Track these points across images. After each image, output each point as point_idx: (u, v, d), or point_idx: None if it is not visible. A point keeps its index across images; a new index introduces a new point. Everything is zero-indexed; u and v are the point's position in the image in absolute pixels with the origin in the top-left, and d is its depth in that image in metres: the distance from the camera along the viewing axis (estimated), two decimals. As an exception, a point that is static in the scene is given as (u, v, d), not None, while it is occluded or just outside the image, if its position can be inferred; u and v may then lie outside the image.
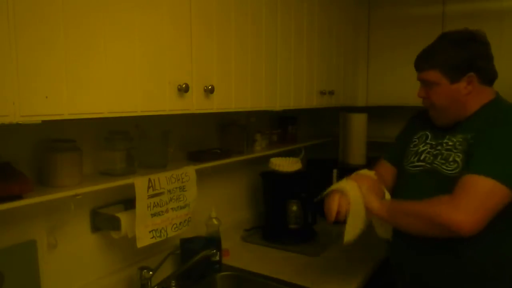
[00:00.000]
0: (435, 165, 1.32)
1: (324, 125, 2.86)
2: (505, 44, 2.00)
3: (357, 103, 2.48)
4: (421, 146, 1.41)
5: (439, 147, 1.35)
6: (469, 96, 1.30)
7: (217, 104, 1.38)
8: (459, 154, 1.27)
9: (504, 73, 1.87)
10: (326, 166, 2.35)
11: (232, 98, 1.46)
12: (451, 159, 1.28)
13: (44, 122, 0.89)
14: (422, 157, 1.38)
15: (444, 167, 1.29)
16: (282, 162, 2.02)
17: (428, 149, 1.38)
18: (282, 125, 2.34)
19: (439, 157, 1.32)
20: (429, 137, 1.41)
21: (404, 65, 2.28)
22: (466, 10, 2.13)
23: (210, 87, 1.31)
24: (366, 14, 2.43)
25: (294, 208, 2.02)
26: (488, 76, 1.32)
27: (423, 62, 1.33)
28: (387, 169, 1.56)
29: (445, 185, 1.23)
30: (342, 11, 2.24)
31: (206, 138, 1.85)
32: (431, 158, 1.35)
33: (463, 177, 1.18)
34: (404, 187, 1.43)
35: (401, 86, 2.28)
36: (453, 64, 1.28)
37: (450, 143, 1.32)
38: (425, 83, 1.34)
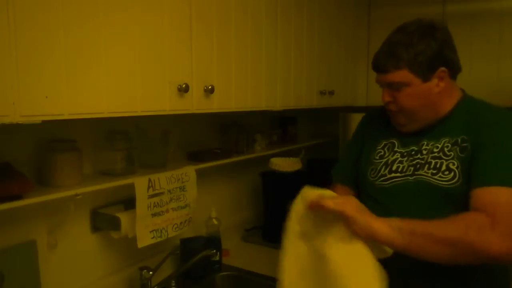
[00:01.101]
0: (423, 177, 1.12)
1: (324, 125, 2.86)
2: (505, 44, 2.00)
3: (357, 103, 2.47)
4: (390, 156, 1.21)
5: (417, 155, 1.16)
6: (441, 94, 1.14)
7: (217, 104, 1.38)
8: (453, 161, 1.09)
9: (504, 73, 1.87)
10: (326, 166, 2.34)
11: (232, 98, 1.46)
12: (444, 168, 1.10)
13: (44, 122, 0.89)
14: (394, 168, 1.18)
15: (437, 177, 1.10)
16: (282, 162, 2.02)
17: (399, 158, 1.19)
18: (282, 125, 2.34)
19: (426, 166, 1.13)
20: (396, 145, 1.22)
21: (404, 65, 2.29)
22: (466, 10, 2.13)
23: (210, 87, 1.31)
24: (366, 14, 2.43)
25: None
26: (457, 69, 1.17)
27: (387, 62, 1.14)
28: (346, 193, 1.30)
29: (442, 199, 1.08)
30: (342, 11, 2.24)
31: (206, 138, 1.85)
32: (411, 168, 1.15)
33: (485, 190, 0.99)
34: (382, 206, 1.17)
35: (401, 86, 2.28)
36: (423, 60, 1.10)
37: (435, 150, 1.14)
38: (391, 86, 1.16)
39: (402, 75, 1.12)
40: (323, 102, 2.08)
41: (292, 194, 2.20)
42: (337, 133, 2.54)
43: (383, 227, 0.95)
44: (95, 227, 1.40)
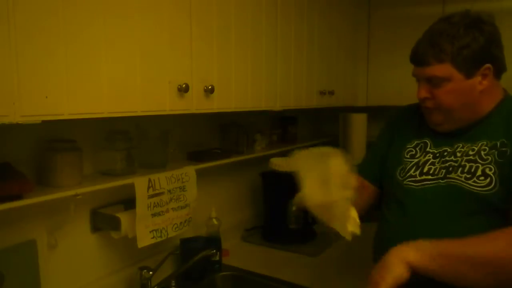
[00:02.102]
0: (455, 181, 1.05)
1: (324, 125, 2.86)
2: (505, 44, 1.99)
3: (357, 103, 2.48)
4: (421, 157, 1.14)
5: (451, 157, 1.08)
6: (483, 93, 1.05)
7: (217, 104, 1.38)
8: (490, 166, 1.01)
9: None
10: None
11: (232, 98, 1.46)
12: (479, 172, 1.02)
13: (44, 122, 0.89)
14: (425, 170, 1.11)
15: (471, 182, 1.02)
16: (282, 162, 2.01)
17: (431, 160, 1.12)
18: (282, 125, 2.34)
19: (459, 170, 1.05)
20: (429, 145, 1.15)
21: (404, 65, 2.26)
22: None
23: (210, 87, 1.31)
24: (366, 14, 2.43)
25: (294, 208, 2.02)
26: (502, 68, 1.09)
27: (428, 54, 1.04)
28: (365, 189, 1.25)
29: (475, 206, 1.01)
30: (342, 11, 2.24)
31: (206, 138, 1.85)
32: (443, 171, 1.08)
33: None
34: (407, 209, 1.11)
35: (401, 86, 2.27)
36: (468, 54, 1.01)
37: (471, 152, 1.05)
38: (430, 80, 1.07)
39: (444, 69, 1.03)
40: (323, 102, 2.08)
41: (292, 194, 2.20)
42: (337, 133, 2.54)
43: (413, 248, 0.88)
44: (95, 227, 1.40)
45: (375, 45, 2.42)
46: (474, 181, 1.02)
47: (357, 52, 2.42)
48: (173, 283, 1.50)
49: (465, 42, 1.01)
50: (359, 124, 2.45)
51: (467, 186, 1.02)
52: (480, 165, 1.03)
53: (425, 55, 1.05)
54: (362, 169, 1.30)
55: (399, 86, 2.32)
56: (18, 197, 1.01)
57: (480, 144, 1.06)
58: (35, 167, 1.20)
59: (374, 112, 2.49)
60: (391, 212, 1.16)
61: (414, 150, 1.17)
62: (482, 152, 1.04)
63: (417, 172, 1.12)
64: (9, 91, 0.83)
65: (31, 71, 0.86)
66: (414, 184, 1.11)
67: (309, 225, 2.07)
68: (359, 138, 2.45)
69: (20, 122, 0.85)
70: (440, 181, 1.07)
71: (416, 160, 1.14)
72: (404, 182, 1.13)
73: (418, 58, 1.08)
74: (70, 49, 0.93)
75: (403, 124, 1.25)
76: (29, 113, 0.86)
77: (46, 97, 0.89)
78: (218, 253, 1.64)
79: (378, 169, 1.26)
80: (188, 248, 1.60)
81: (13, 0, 0.82)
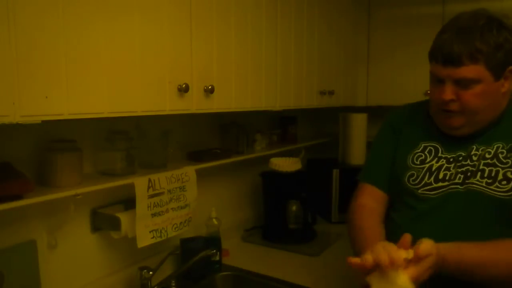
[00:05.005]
0: (475, 186, 1.00)
1: (324, 125, 2.86)
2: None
3: (357, 103, 2.48)
4: (434, 162, 1.08)
5: (467, 161, 1.03)
6: (503, 95, 1.02)
7: (217, 104, 1.38)
8: (510, 169, 0.98)
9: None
10: (326, 166, 2.35)
11: (232, 98, 1.46)
12: (500, 176, 0.98)
13: (44, 122, 0.89)
14: (441, 176, 1.05)
15: (493, 188, 0.98)
16: (282, 162, 2.02)
17: (446, 165, 1.06)
18: (282, 125, 2.34)
19: (479, 174, 1.00)
20: (440, 150, 1.09)
21: (404, 65, 2.29)
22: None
23: (210, 87, 1.31)
24: (366, 14, 2.43)
25: (294, 208, 2.02)
26: None
27: (461, 53, 0.96)
28: (377, 198, 1.18)
29: (499, 212, 0.97)
30: (342, 11, 2.24)
31: (206, 138, 1.85)
32: (460, 176, 1.02)
33: None
34: (424, 217, 1.05)
35: (401, 86, 2.28)
36: (501, 55, 0.96)
37: (488, 156, 1.02)
38: (459, 82, 0.99)
39: (477, 70, 0.96)
40: (323, 102, 2.08)
41: (292, 194, 2.21)
42: (337, 133, 2.54)
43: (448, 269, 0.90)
44: (95, 227, 1.40)
45: (375, 45, 2.42)
46: (497, 186, 0.98)
47: (357, 52, 2.42)
48: (173, 283, 1.50)
49: (499, 42, 0.96)
50: (359, 124, 2.45)
51: (489, 191, 0.99)
52: (500, 168, 0.99)
53: (458, 54, 0.96)
54: (371, 177, 1.24)
55: (399, 86, 2.32)
56: (18, 197, 1.01)
57: (495, 147, 1.02)
58: (35, 167, 1.20)
59: (374, 112, 2.49)
60: (400, 214, 1.13)
61: (423, 155, 1.11)
62: (500, 155, 1.01)
63: (432, 179, 1.07)
64: (9, 91, 0.83)
65: (31, 71, 0.86)
66: (430, 192, 1.06)
67: (309, 225, 2.07)
68: (359, 138, 2.45)
69: (20, 122, 0.85)
70: (459, 186, 1.03)
71: (427, 166, 1.09)
72: (419, 191, 1.08)
73: (449, 58, 0.98)
74: (70, 49, 0.93)
75: (407, 126, 1.20)
76: (29, 113, 0.86)
77: (46, 97, 0.89)
78: (218, 253, 1.64)
79: (385, 173, 1.20)
80: (188, 248, 1.60)
81: (13, 0, 0.82)
